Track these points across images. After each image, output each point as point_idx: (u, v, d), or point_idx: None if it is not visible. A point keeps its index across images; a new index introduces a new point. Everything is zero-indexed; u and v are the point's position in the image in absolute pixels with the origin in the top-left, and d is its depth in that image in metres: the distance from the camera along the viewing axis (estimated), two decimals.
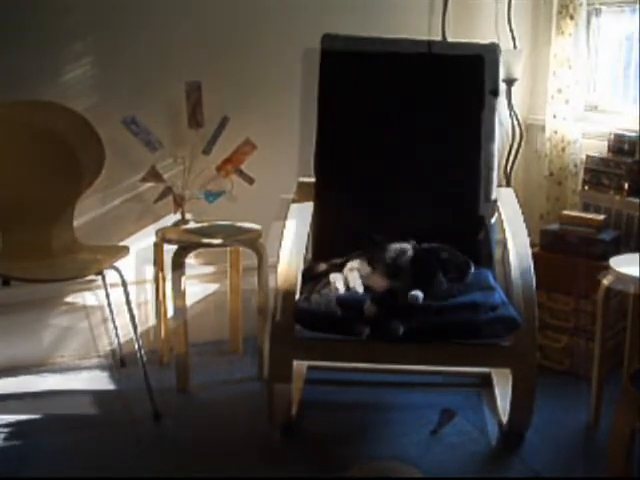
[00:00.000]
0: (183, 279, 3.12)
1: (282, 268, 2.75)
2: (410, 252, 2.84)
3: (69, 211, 3.09)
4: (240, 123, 3.34)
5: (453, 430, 2.89)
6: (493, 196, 3.21)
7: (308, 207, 3.13)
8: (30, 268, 2.90)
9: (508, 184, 3.83)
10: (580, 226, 3.31)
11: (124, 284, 2.92)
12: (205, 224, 3.32)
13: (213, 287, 3.60)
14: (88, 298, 3.41)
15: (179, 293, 3.13)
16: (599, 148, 3.46)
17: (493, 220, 3.18)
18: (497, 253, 3.21)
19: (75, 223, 3.14)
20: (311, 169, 3.24)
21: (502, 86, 3.61)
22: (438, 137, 3.22)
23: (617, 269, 2.76)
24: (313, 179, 3.23)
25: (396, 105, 3.23)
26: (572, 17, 3.52)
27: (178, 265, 3.11)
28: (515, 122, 3.88)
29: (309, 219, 3.07)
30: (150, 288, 3.44)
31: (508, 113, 3.83)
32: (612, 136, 3.39)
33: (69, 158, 3.00)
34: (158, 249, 3.29)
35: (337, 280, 2.77)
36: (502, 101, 3.72)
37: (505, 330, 2.61)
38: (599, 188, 3.41)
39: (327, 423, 2.96)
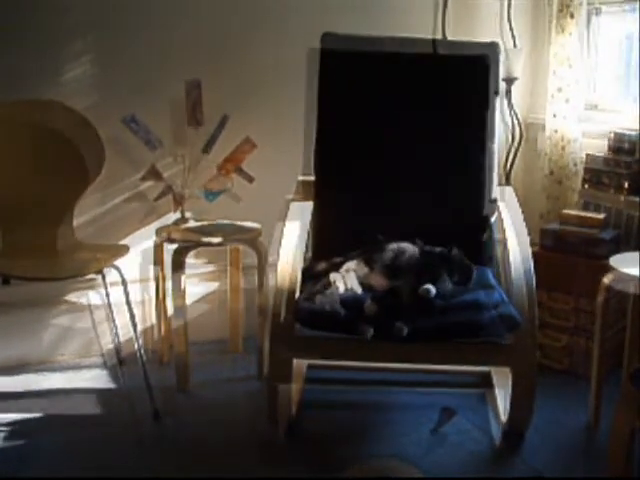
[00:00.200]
0: (183, 278, 3.12)
1: (282, 267, 2.75)
2: (411, 252, 2.84)
3: (69, 210, 3.08)
4: (240, 122, 3.33)
5: (453, 429, 2.89)
6: (493, 195, 3.21)
7: (308, 206, 3.13)
8: (30, 267, 2.90)
9: (508, 183, 3.83)
10: (580, 225, 3.32)
11: (124, 283, 2.92)
12: (205, 223, 3.32)
13: (213, 286, 3.60)
14: (88, 297, 3.40)
15: (179, 292, 3.13)
16: (599, 147, 3.46)
17: (493, 219, 3.18)
18: (497, 252, 3.20)
19: (75, 222, 3.14)
20: (311, 168, 3.24)
21: (502, 85, 3.62)
22: (440, 137, 3.21)
23: (617, 268, 2.76)
24: (313, 178, 3.22)
25: (397, 104, 3.23)
26: (572, 16, 3.51)
27: (178, 264, 3.11)
28: (515, 121, 3.88)
29: (309, 218, 3.07)
30: (151, 287, 3.44)
31: (508, 112, 3.83)
32: (612, 135, 3.39)
33: (69, 157, 2.99)
34: (158, 248, 3.29)
35: (337, 280, 2.77)
36: (502, 100, 3.73)
37: (505, 329, 2.60)
38: (599, 187, 3.41)
39: (327, 422, 2.96)
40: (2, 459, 2.68)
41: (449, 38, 3.67)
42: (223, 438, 2.84)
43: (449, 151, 3.20)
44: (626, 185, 3.32)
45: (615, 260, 2.84)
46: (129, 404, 3.02)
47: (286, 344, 2.65)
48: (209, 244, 3.20)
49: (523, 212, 3.04)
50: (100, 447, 2.76)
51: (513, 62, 3.68)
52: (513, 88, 3.78)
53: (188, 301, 3.23)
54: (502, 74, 3.53)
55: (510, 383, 2.67)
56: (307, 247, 3.07)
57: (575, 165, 3.60)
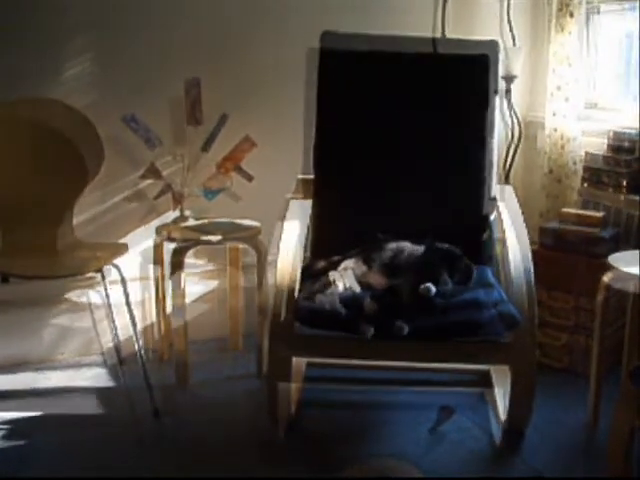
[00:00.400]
0: (183, 276, 3.12)
1: (282, 265, 2.75)
2: (410, 250, 2.84)
3: (69, 208, 3.08)
4: (239, 121, 3.33)
5: (452, 428, 2.89)
6: (493, 194, 3.21)
7: (307, 205, 3.13)
8: (30, 265, 2.90)
9: (508, 182, 3.83)
10: (579, 224, 3.32)
11: (124, 281, 2.93)
12: (205, 221, 3.33)
13: (213, 284, 3.60)
14: (88, 296, 3.40)
15: (178, 290, 3.13)
16: (599, 146, 3.46)
17: (492, 218, 3.18)
18: (497, 251, 3.20)
19: (75, 220, 3.14)
20: (311, 167, 3.24)
21: (502, 84, 3.62)
22: (440, 136, 3.21)
23: (617, 267, 2.76)
24: (312, 177, 3.22)
25: (396, 103, 3.22)
26: (572, 14, 3.51)
27: (178, 262, 3.11)
28: (515, 120, 3.88)
29: (308, 217, 3.07)
30: (150, 285, 3.44)
31: (508, 111, 3.83)
32: (612, 134, 3.39)
33: (69, 156, 2.99)
34: (158, 247, 3.29)
35: (337, 278, 2.77)
36: (502, 99, 3.73)
37: (505, 328, 2.60)
38: (599, 186, 3.41)
39: (326, 421, 2.96)
40: (2, 458, 2.68)
41: (448, 37, 3.66)
42: (223, 437, 2.84)
43: (448, 150, 3.20)
44: (625, 184, 3.32)
45: (614, 259, 2.84)
46: (129, 403, 3.02)
47: (286, 343, 2.65)
48: (209, 243, 3.20)
49: (523, 211, 3.04)
50: (100, 446, 2.76)
51: (513, 61, 3.68)
52: (513, 87, 3.77)
53: (188, 300, 3.24)
54: (502, 73, 3.53)
55: (510, 382, 2.67)
56: (306, 246, 3.07)
57: (575, 164, 3.60)
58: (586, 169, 3.47)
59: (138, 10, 3.28)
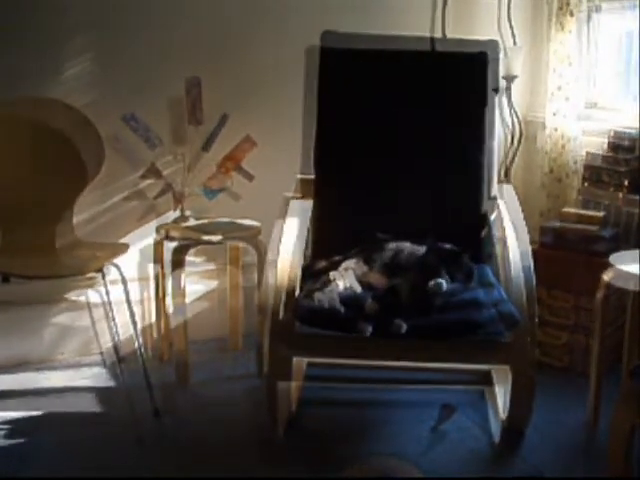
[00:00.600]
0: (183, 276, 3.12)
1: (282, 265, 2.75)
2: (409, 250, 2.84)
3: (69, 208, 3.08)
4: (240, 120, 3.34)
5: (453, 427, 2.89)
6: (493, 193, 3.21)
7: (308, 204, 3.13)
8: (30, 265, 2.90)
9: (508, 181, 3.82)
10: (580, 223, 3.32)
11: (124, 281, 2.93)
12: (205, 221, 3.33)
13: (213, 284, 3.60)
14: (88, 295, 3.41)
15: (179, 290, 3.13)
16: (599, 145, 3.46)
17: (492, 217, 3.18)
18: (497, 250, 3.20)
19: (75, 220, 3.14)
20: (311, 166, 3.24)
21: (502, 83, 3.61)
22: (440, 135, 3.20)
23: (617, 266, 2.76)
24: (313, 176, 3.22)
25: (396, 102, 3.22)
26: (572, 13, 3.51)
27: (178, 262, 3.11)
28: (515, 119, 3.88)
29: (309, 216, 3.07)
30: (150, 285, 3.44)
31: (508, 110, 3.83)
32: (612, 133, 3.39)
33: (69, 155, 2.98)
34: (158, 246, 3.29)
35: (337, 278, 2.77)
36: (502, 98, 3.73)
37: (505, 327, 2.60)
38: (599, 185, 3.41)
39: (326, 420, 2.96)
40: (2, 458, 2.68)
41: (448, 36, 3.66)
42: (223, 436, 2.84)
43: (448, 149, 3.19)
44: (626, 183, 3.31)
45: (615, 257, 2.84)
46: (129, 402, 3.01)
47: (286, 342, 2.65)
48: (209, 242, 3.21)
49: (523, 210, 3.03)
50: (100, 445, 2.76)
51: (513, 60, 3.68)
52: (513, 86, 3.77)
53: (188, 299, 3.24)
54: (502, 72, 3.53)
55: (510, 381, 2.67)
56: (307, 245, 3.06)
57: (575, 163, 3.60)
58: (586, 168, 3.47)
59: (138, 10, 3.28)
